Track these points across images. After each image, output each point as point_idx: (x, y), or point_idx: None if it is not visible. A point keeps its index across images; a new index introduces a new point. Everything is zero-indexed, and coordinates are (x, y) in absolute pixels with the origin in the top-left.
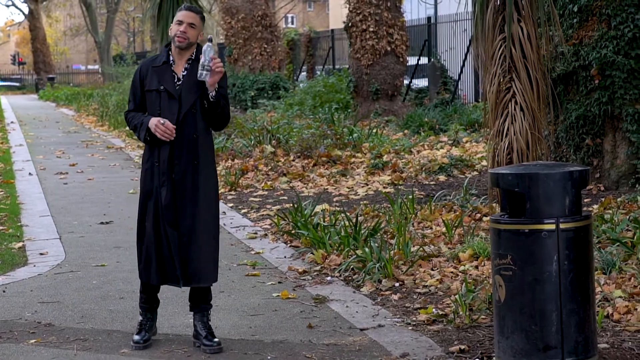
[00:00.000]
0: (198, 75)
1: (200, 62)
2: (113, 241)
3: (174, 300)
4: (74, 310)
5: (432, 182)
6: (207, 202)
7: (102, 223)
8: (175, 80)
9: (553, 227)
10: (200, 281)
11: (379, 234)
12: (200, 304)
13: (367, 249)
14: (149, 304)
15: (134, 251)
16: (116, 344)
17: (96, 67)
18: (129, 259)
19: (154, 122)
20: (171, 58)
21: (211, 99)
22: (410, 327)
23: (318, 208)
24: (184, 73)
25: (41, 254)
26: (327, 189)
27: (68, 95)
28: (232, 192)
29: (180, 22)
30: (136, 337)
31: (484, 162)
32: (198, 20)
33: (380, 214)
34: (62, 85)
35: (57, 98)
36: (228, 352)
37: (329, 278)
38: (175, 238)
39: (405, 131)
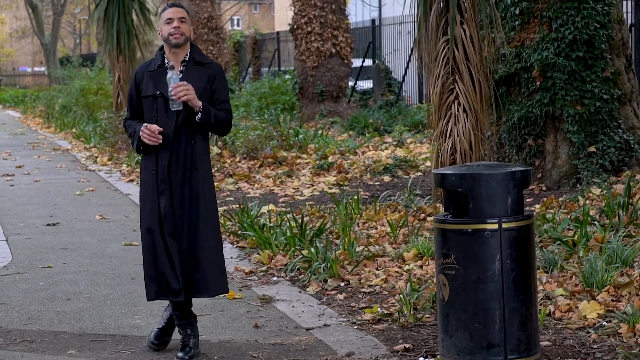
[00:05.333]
0: (170, 106)
1: (169, 92)
2: (60, 243)
3: (120, 301)
4: (21, 311)
5: (376, 183)
6: (207, 210)
7: (48, 225)
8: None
9: (496, 226)
10: (204, 292)
11: (324, 234)
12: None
13: (312, 249)
14: (184, 319)
15: (80, 253)
16: (63, 345)
17: (42, 69)
18: (75, 260)
19: (142, 126)
20: (166, 61)
21: (197, 120)
22: (355, 327)
23: (264, 209)
24: (180, 76)
25: None
26: (273, 189)
27: (14, 97)
28: None
29: (170, 20)
30: (179, 354)
31: (428, 163)
32: (186, 14)
33: (326, 214)
34: (8, 87)
35: (3, 100)
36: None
37: (275, 278)
38: (175, 249)
39: (350, 132)
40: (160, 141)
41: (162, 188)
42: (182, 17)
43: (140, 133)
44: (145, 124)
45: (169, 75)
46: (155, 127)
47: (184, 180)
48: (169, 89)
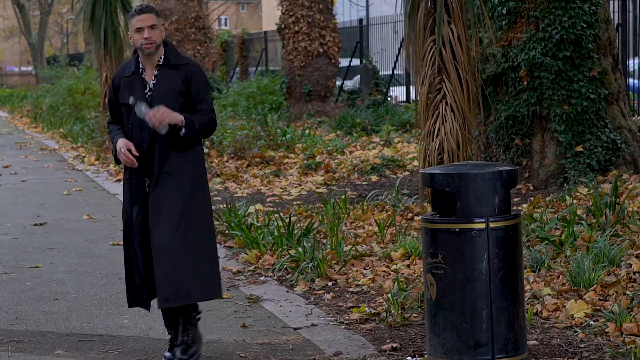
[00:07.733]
0: (160, 131)
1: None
2: (47, 243)
3: (108, 301)
4: (8, 311)
5: (364, 182)
6: (187, 217)
7: (36, 224)
8: (146, 91)
9: (483, 226)
10: (177, 301)
11: (312, 234)
12: (191, 312)
13: (300, 249)
14: (171, 321)
15: (67, 252)
16: (50, 345)
17: (30, 68)
18: (63, 260)
19: (120, 144)
20: (140, 66)
21: (182, 135)
22: (343, 326)
23: (252, 208)
24: (154, 81)
25: None
26: (260, 189)
27: (1, 96)
28: None
29: (140, 29)
30: (167, 354)
31: (416, 163)
32: (155, 18)
33: (313, 214)
34: None
35: None
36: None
37: (262, 278)
38: (142, 259)
39: (338, 132)
40: (136, 165)
41: (135, 198)
42: (152, 24)
43: (118, 151)
44: (125, 143)
45: (137, 110)
46: (130, 152)
47: (156, 187)
48: (147, 120)
